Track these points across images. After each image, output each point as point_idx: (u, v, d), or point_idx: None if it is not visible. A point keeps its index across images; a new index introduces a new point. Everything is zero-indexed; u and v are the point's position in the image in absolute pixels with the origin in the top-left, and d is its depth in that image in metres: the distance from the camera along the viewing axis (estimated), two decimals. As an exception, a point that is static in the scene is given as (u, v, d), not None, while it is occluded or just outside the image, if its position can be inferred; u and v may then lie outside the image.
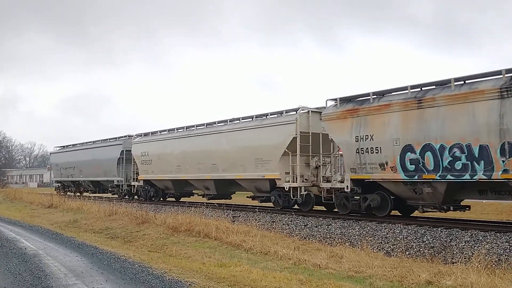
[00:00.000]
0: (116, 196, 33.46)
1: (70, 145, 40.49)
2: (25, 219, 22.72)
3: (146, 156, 27.59)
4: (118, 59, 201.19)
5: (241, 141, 20.68)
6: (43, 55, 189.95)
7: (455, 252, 11.19)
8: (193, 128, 24.46)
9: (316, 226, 15.81)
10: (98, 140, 35.72)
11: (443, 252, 11.47)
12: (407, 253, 11.70)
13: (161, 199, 28.24)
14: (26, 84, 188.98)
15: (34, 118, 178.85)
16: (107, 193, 35.30)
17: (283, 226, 16.63)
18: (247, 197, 22.25)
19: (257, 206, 21.78)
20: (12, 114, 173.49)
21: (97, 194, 35.50)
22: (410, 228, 13.58)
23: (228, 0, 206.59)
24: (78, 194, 37.68)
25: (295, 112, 18.78)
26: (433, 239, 12.33)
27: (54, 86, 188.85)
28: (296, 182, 18.15)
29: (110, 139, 34.18)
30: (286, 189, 18.51)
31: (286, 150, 18.25)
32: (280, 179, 18.54)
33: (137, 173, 29.14)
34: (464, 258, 10.09)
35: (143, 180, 28.08)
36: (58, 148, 42.67)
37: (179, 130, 25.91)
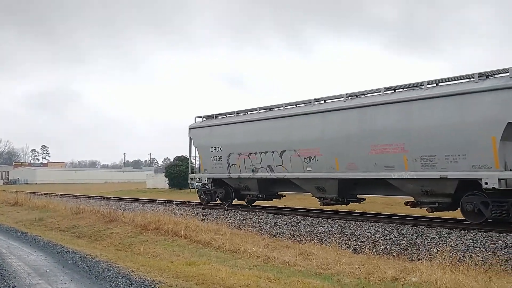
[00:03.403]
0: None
1: (255, 109, 19.17)
2: (-12, 217, 22.08)
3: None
4: (85, 56, 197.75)
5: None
6: (4, 51, 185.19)
7: (421, 249, 11.39)
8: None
9: (286, 224, 15.87)
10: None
11: (409, 249, 11.67)
12: (375, 250, 11.85)
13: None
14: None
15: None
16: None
17: (254, 224, 16.64)
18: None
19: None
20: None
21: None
22: (377, 225, 13.78)
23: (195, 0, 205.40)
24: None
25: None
26: (400, 236, 12.53)
27: (18, 82, 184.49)
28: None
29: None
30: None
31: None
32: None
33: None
34: (430, 255, 10.28)
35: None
36: (215, 118, 21.18)
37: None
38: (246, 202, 20.70)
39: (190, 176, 22.82)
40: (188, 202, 22.98)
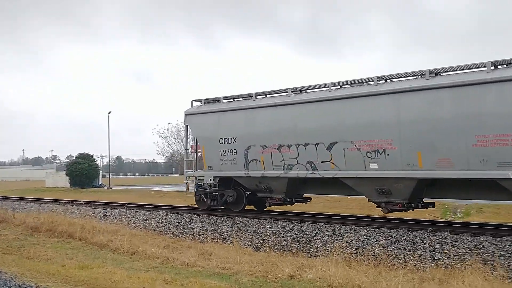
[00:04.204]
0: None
1: (285, 90, 15.26)
2: None
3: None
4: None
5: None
6: None
7: (318, 246, 11.72)
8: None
9: (190, 223, 15.65)
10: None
11: (308, 246, 11.97)
12: (275, 247, 12.02)
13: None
14: None
15: None
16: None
17: (156, 224, 16.24)
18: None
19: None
20: None
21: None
22: (280, 223, 14.00)
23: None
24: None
25: None
26: (300, 234, 12.81)
27: None
28: None
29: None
30: None
31: None
32: None
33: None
34: (326, 251, 10.60)
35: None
36: (223, 101, 16.98)
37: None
38: (264, 206, 16.91)
39: (186, 174, 18.24)
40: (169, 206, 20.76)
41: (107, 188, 49.19)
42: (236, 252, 10.51)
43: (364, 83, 13.32)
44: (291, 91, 14.70)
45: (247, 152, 15.41)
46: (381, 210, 13.06)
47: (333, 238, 12.04)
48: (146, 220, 16.97)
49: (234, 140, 15.76)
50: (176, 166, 70.68)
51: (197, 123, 17.30)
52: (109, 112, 53.87)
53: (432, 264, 9.64)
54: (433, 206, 13.31)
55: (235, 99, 16.55)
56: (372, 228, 12.40)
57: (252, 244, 12.67)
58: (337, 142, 13.17)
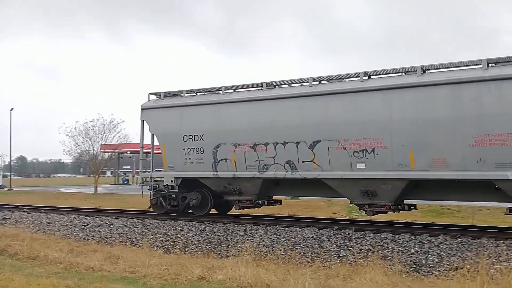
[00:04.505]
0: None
1: (260, 85, 14.11)
2: None
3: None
4: None
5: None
6: None
7: (230, 246, 11.76)
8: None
9: (97, 226, 15.04)
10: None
11: (219, 246, 11.97)
12: (186, 249, 11.89)
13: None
14: None
15: None
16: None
17: (61, 227, 15.43)
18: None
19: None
20: None
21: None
22: (191, 224, 13.87)
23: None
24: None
25: None
26: (211, 234, 12.78)
27: None
28: None
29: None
30: None
31: None
32: None
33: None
34: (237, 251, 10.66)
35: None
36: (186, 95, 15.49)
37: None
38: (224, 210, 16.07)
39: (142, 175, 16.50)
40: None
41: (8, 189, 46.09)
42: (145, 255, 10.26)
43: (346, 79, 12.71)
44: (267, 86, 13.65)
45: (216, 150, 14.14)
46: (366, 213, 12.51)
47: (244, 238, 12.14)
48: (49, 223, 16.07)
49: (201, 137, 14.41)
50: (84, 167, 67.58)
51: (156, 118, 15.57)
52: (11, 109, 51.29)
53: (337, 261, 10.03)
54: (415, 208, 12.71)
55: (199, 93, 15.23)
56: (282, 227, 12.66)
57: (162, 246, 12.44)
58: (320, 141, 12.39)
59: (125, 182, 57.38)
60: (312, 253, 10.68)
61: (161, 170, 15.77)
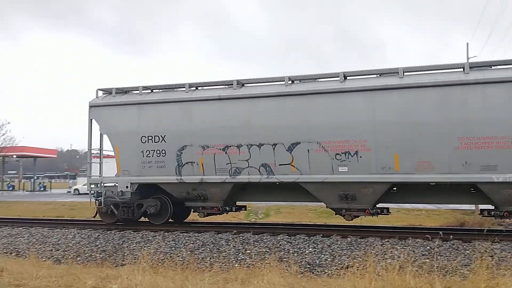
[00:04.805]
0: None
1: (230, 83, 13.21)
2: None
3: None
4: None
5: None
6: None
7: (126, 254, 11.39)
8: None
9: (-24, 237, 13.77)
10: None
11: (115, 255, 11.54)
12: (78, 259, 11.33)
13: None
14: None
15: None
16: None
17: None
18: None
19: None
20: None
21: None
22: (84, 232, 13.22)
23: None
24: None
25: None
26: (106, 243, 12.28)
27: None
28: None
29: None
30: None
31: None
32: None
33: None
34: (134, 259, 10.36)
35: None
36: (143, 92, 14.06)
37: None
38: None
39: (90, 180, 14.40)
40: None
41: None
42: (33, 266, 9.60)
43: (330, 78, 12.21)
44: (237, 84, 12.80)
45: (181, 153, 12.96)
46: (344, 218, 12.11)
47: (141, 245, 11.82)
48: None
49: (163, 138, 13.10)
50: None
51: (108, 117, 13.90)
52: None
53: (236, 265, 10.15)
54: (389, 212, 12.20)
55: (158, 90, 13.91)
56: (180, 233, 12.50)
57: (52, 256, 11.74)
58: (300, 143, 11.82)
59: (11, 188, 53.47)
60: (211, 258, 10.68)
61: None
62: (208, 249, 11.20)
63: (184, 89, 13.34)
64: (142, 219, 13.86)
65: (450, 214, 18.52)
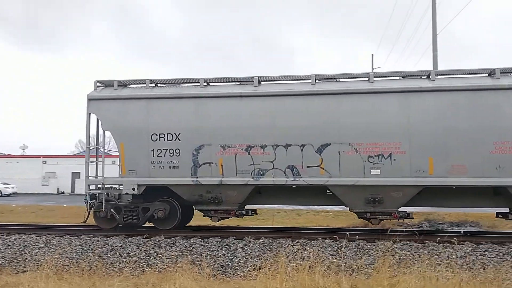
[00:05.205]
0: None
1: (251, 79, 12.48)
2: None
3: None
4: None
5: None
6: None
7: (27, 260, 10.72)
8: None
9: None
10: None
11: (15, 261, 10.83)
12: (-27, 266, 10.45)
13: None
14: None
15: None
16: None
17: None
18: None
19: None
20: None
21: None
22: (-20, 237, 12.25)
23: None
24: None
25: None
26: (5, 248, 11.49)
27: None
28: None
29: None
30: None
31: None
32: None
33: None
34: (36, 265, 9.79)
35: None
36: (150, 85, 12.89)
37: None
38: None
39: (88, 182, 12.77)
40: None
41: None
42: None
43: (359, 78, 11.94)
44: (260, 80, 12.17)
45: (198, 153, 12.00)
46: (370, 222, 11.80)
47: (44, 250, 11.19)
48: None
49: (177, 137, 12.10)
50: None
51: (112, 112, 12.56)
52: None
53: (147, 269, 9.93)
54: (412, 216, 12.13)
55: (166, 84, 12.83)
56: (88, 237, 12.00)
57: None
58: (330, 144, 11.38)
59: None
60: (120, 263, 10.36)
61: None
62: (118, 254, 10.86)
63: (198, 84, 12.43)
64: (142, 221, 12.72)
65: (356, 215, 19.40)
